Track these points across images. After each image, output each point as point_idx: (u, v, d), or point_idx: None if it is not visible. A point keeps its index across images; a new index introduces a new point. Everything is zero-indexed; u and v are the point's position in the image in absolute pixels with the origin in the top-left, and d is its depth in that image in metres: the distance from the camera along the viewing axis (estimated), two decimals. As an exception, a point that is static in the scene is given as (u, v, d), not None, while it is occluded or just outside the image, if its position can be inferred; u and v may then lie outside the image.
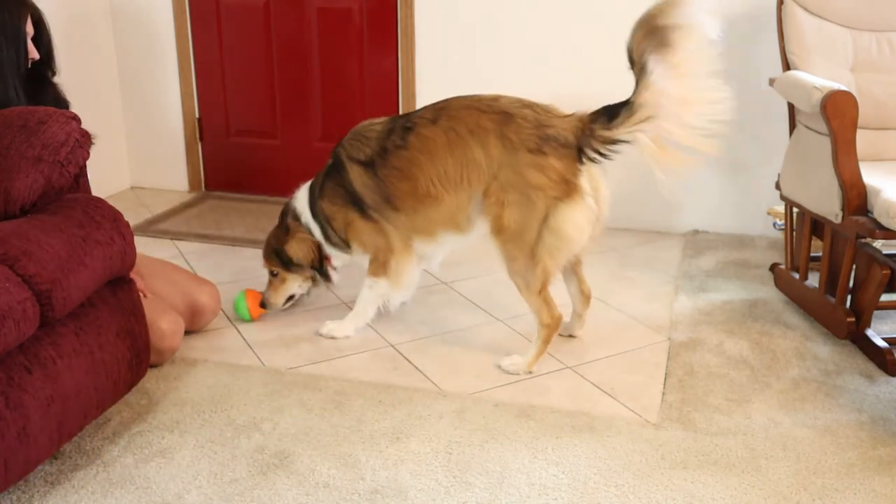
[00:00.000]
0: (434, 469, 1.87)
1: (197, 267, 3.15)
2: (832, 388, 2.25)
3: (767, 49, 3.19)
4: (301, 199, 2.61)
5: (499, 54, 3.60)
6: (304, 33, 3.87)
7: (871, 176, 2.37)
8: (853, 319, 2.44)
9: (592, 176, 2.25)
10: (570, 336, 2.57)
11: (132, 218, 3.69)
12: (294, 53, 3.91)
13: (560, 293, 2.42)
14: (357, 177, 2.44)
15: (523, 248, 2.24)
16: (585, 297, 2.52)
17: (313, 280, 2.67)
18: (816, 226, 2.68)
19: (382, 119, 2.49)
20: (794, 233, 2.86)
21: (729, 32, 3.34)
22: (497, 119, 2.23)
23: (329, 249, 2.60)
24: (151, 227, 3.61)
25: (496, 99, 2.29)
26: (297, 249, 2.58)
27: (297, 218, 2.60)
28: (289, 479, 1.83)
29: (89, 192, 2.19)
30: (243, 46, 3.96)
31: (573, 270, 2.50)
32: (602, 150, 2.19)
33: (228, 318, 2.71)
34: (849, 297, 2.50)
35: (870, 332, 2.44)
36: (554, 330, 2.32)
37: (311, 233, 2.59)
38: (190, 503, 1.75)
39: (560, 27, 3.51)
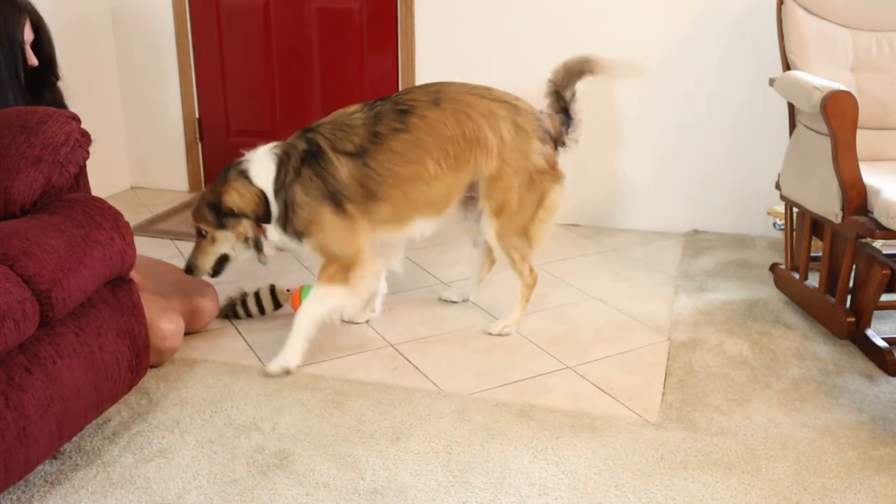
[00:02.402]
0: (434, 469, 1.87)
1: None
2: (832, 388, 2.25)
3: (767, 49, 3.19)
4: (259, 163, 2.38)
5: (499, 54, 3.60)
6: (304, 33, 3.87)
7: (871, 176, 2.37)
8: (853, 319, 2.44)
9: None
10: (464, 301, 2.83)
11: (132, 218, 3.69)
12: (294, 53, 3.91)
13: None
14: (344, 168, 2.34)
15: (519, 225, 2.49)
16: (492, 263, 2.76)
17: (247, 241, 2.42)
18: (816, 226, 2.68)
19: (355, 106, 2.43)
20: (794, 233, 2.86)
21: (729, 32, 3.36)
22: (507, 108, 2.44)
23: (275, 231, 2.40)
24: (151, 227, 3.61)
25: (489, 88, 2.48)
26: (236, 198, 2.34)
27: (243, 174, 2.37)
28: (289, 479, 1.83)
29: (89, 192, 2.19)
30: (243, 46, 3.96)
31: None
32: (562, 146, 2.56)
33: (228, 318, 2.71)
34: (849, 297, 2.50)
35: (870, 332, 2.44)
36: (533, 289, 2.62)
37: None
38: (190, 503, 1.75)
39: (560, 27, 3.51)
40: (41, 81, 2.30)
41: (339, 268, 2.36)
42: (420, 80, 3.73)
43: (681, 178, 3.57)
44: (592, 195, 3.67)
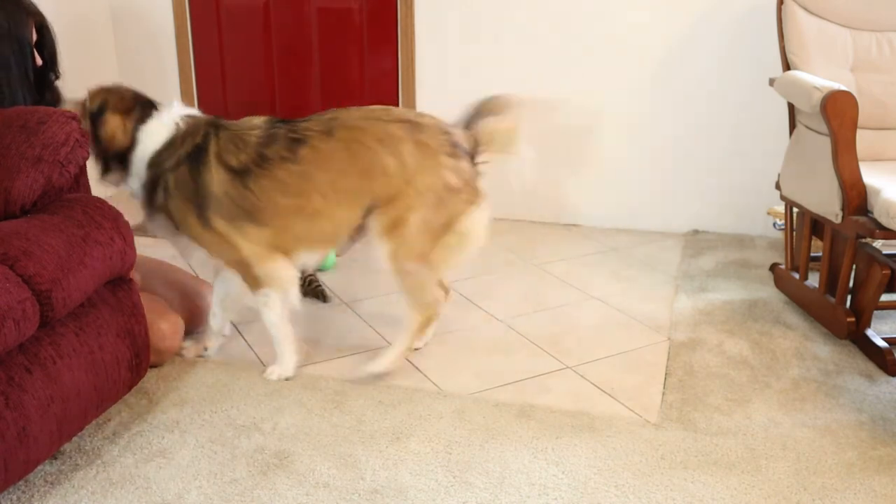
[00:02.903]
0: (434, 469, 1.87)
1: (197, 267, 3.15)
2: (832, 388, 2.25)
3: (767, 49, 3.19)
4: (157, 124, 2.23)
5: (499, 54, 3.60)
6: (304, 33, 3.87)
7: (871, 176, 2.37)
8: (853, 319, 2.44)
9: None
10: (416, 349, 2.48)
11: (132, 218, 3.69)
12: (294, 53, 3.91)
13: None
14: (220, 182, 2.17)
15: (416, 249, 2.21)
16: (444, 292, 2.55)
17: (98, 141, 2.25)
18: (816, 226, 2.68)
19: (261, 119, 2.28)
20: (794, 233, 2.86)
21: (729, 32, 3.36)
22: (407, 126, 2.20)
23: (139, 190, 2.29)
24: (151, 227, 3.60)
25: (387, 109, 2.25)
26: (111, 124, 2.22)
27: (142, 119, 2.23)
28: (289, 479, 1.83)
29: (90, 192, 2.19)
30: (243, 46, 3.96)
31: None
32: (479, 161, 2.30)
33: (228, 318, 2.71)
34: (849, 297, 2.50)
35: (870, 332, 2.44)
36: (430, 322, 2.44)
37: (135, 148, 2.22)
38: (190, 503, 1.75)
39: (561, 26, 3.51)
40: (43, 81, 2.31)
41: (249, 275, 2.25)
42: (420, 80, 3.73)
43: (681, 178, 3.57)
44: (592, 195, 3.67)
